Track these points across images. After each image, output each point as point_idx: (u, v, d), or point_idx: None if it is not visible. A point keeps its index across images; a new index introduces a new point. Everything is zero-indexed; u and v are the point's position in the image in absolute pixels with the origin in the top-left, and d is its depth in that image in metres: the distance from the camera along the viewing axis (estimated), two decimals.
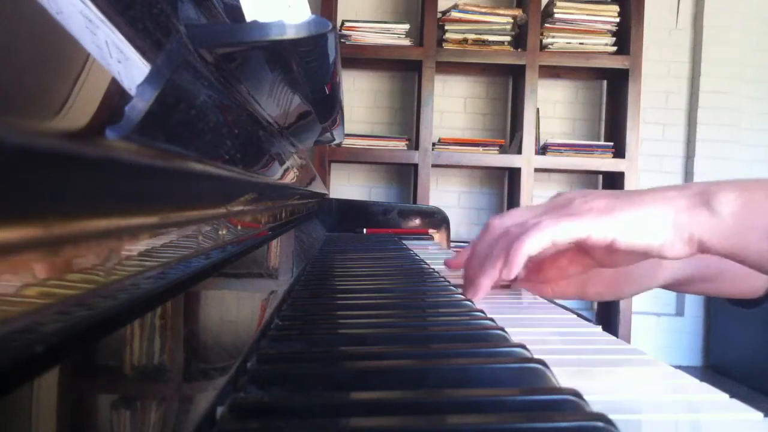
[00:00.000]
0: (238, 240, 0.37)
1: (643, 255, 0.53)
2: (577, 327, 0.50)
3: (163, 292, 0.23)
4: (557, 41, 2.71)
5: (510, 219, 0.57)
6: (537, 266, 0.63)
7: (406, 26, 2.71)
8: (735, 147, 2.99)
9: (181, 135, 0.26)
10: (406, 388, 0.30)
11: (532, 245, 0.51)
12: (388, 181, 3.04)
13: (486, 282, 0.56)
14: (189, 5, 0.36)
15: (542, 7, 2.71)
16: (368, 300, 0.55)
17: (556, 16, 2.70)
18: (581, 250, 0.59)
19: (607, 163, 2.75)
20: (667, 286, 0.70)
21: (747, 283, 0.67)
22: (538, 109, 2.79)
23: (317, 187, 1.13)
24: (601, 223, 0.51)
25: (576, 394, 0.27)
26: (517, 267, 0.52)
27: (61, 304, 0.15)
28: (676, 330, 3.01)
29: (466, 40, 2.70)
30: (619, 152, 2.74)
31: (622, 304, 2.72)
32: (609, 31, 2.73)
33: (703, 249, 0.51)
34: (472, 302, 0.52)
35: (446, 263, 0.69)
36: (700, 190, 0.51)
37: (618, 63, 2.70)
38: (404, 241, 1.24)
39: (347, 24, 2.68)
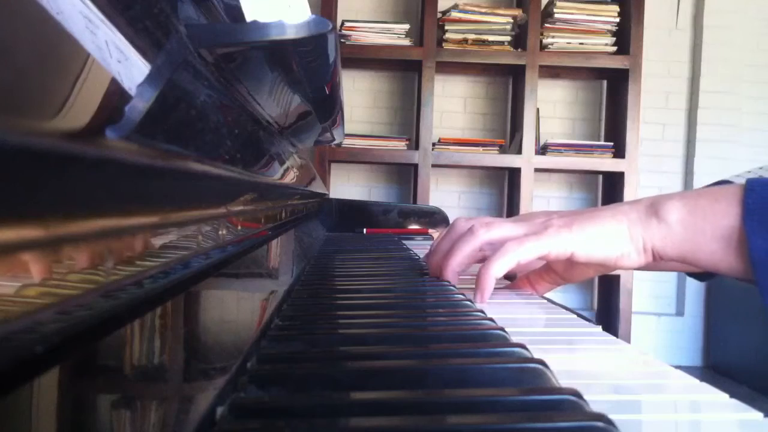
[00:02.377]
0: (238, 240, 0.37)
1: (601, 267, 0.58)
2: (577, 327, 0.50)
3: (163, 292, 0.23)
4: (557, 41, 2.71)
5: (475, 221, 0.63)
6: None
7: (406, 26, 2.71)
8: (735, 147, 2.99)
9: (181, 135, 0.26)
10: (406, 388, 0.30)
11: (499, 268, 0.56)
12: (388, 181, 3.04)
13: (450, 275, 0.62)
14: (189, 5, 0.36)
15: (542, 7, 2.71)
16: (368, 300, 0.55)
17: (556, 16, 2.70)
18: (546, 268, 0.65)
19: (607, 163, 2.75)
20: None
21: None
22: (538, 109, 2.79)
23: (317, 187, 1.13)
24: (561, 238, 0.55)
25: (576, 394, 0.27)
26: (488, 291, 0.57)
27: (61, 304, 0.15)
28: (676, 330, 3.01)
29: (466, 40, 2.70)
30: (619, 152, 2.74)
31: (622, 304, 2.72)
32: (609, 31, 2.73)
33: (657, 256, 0.54)
34: (472, 302, 0.52)
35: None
36: (650, 202, 0.55)
37: (618, 63, 2.70)
38: (404, 241, 1.24)
39: (347, 24, 2.68)
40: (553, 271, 0.65)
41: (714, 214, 0.51)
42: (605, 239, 0.55)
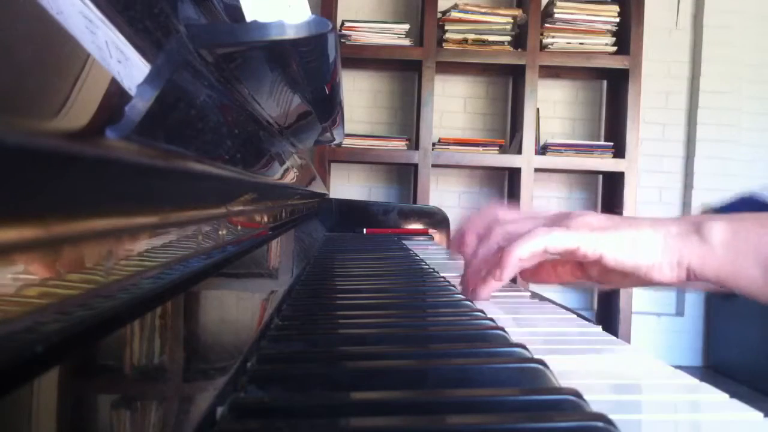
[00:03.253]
0: (238, 240, 0.37)
1: (632, 276, 0.55)
2: (577, 327, 0.50)
3: (163, 292, 0.23)
4: (557, 41, 2.71)
5: (513, 227, 0.59)
6: (535, 270, 0.64)
7: (406, 26, 2.71)
8: (735, 147, 2.99)
9: (181, 135, 0.26)
10: (406, 388, 0.30)
11: (524, 250, 0.54)
12: (388, 181, 3.04)
13: (485, 293, 0.58)
14: (189, 5, 0.36)
15: (542, 7, 2.71)
16: (368, 300, 0.55)
17: (556, 16, 2.70)
18: (579, 263, 0.61)
19: (607, 163, 2.75)
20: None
21: None
22: (538, 109, 2.79)
23: (317, 187, 1.13)
24: (592, 237, 0.53)
25: (576, 393, 0.27)
26: (510, 270, 0.54)
27: (61, 304, 0.15)
28: (676, 330, 3.01)
29: (466, 40, 2.70)
30: (619, 152, 2.74)
31: (622, 304, 2.72)
32: (609, 31, 2.73)
33: (692, 275, 0.52)
34: (472, 302, 0.52)
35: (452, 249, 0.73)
36: (693, 220, 0.53)
37: (618, 63, 2.70)
38: (404, 241, 1.24)
39: (347, 24, 2.68)
40: (583, 267, 0.61)
41: (759, 239, 0.50)
42: (638, 246, 0.53)
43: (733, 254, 0.50)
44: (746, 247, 0.50)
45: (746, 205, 0.69)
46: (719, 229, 0.51)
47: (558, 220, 0.56)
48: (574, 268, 0.62)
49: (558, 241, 0.53)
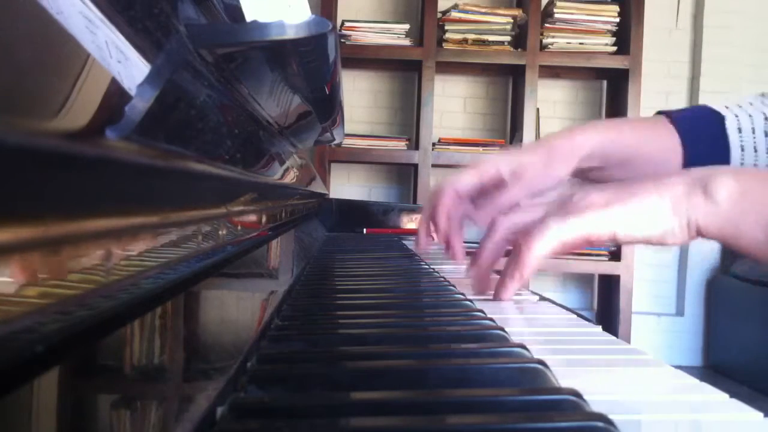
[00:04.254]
0: (238, 240, 0.37)
1: (646, 242, 0.53)
2: (577, 327, 0.50)
3: (163, 292, 0.23)
4: (557, 41, 2.71)
5: (517, 217, 0.58)
6: None
7: (406, 26, 2.71)
8: None
9: (181, 135, 0.26)
10: (406, 388, 0.30)
11: (543, 248, 0.53)
12: (388, 181, 3.04)
13: (507, 294, 0.58)
14: (189, 5, 0.36)
15: (542, 7, 2.71)
16: (368, 300, 0.55)
17: (556, 16, 2.70)
18: None
19: None
20: (583, 174, 0.71)
21: (660, 169, 0.70)
22: (538, 109, 2.79)
23: (317, 187, 1.13)
24: (602, 218, 0.52)
25: (576, 394, 0.27)
26: (530, 270, 0.53)
27: (61, 304, 0.15)
28: (676, 330, 3.01)
29: (466, 40, 2.70)
30: None
31: (622, 304, 2.72)
32: (609, 31, 2.73)
33: (700, 233, 0.52)
34: (471, 302, 0.52)
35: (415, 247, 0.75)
36: (699, 175, 0.52)
37: (618, 63, 2.70)
38: (404, 241, 1.24)
39: (347, 24, 2.68)
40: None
41: (763, 199, 0.49)
42: (648, 216, 0.51)
43: (737, 214, 0.50)
44: (750, 207, 0.49)
45: (698, 115, 0.71)
46: (724, 186, 0.50)
47: (564, 205, 0.54)
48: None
49: (572, 232, 0.52)
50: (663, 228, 0.51)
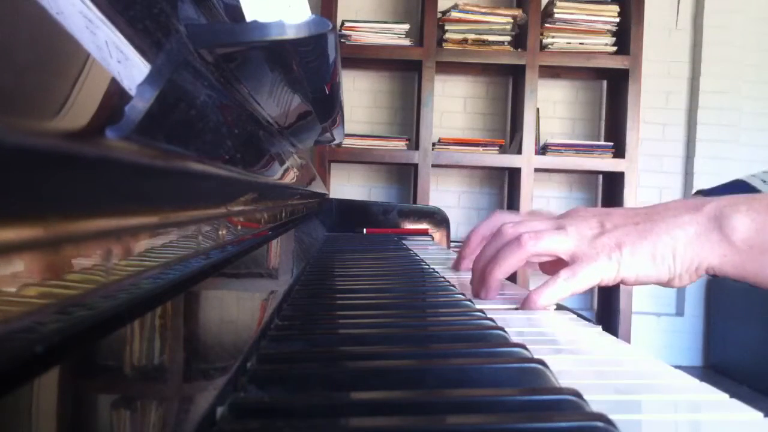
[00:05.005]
0: (238, 240, 0.37)
1: (654, 284, 0.54)
2: (577, 327, 0.50)
3: (163, 292, 0.23)
4: (557, 41, 2.71)
5: (524, 227, 0.58)
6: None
7: (406, 26, 2.71)
8: (735, 147, 2.99)
9: (181, 135, 0.26)
10: (406, 388, 0.30)
11: (549, 299, 0.54)
12: (388, 181, 3.04)
13: (493, 285, 0.58)
14: (189, 5, 0.36)
15: (542, 7, 2.71)
16: (368, 300, 0.55)
17: (556, 16, 2.70)
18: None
19: (607, 163, 2.75)
20: None
21: None
22: (538, 109, 2.79)
23: (317, 187, 1.13)
24: (612, 263, 0.52)
25: (576, 393, 0.27)
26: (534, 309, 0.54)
27: (61, 304, 0.15)
28: (676, 330, 3.01)
29: (466, 40, 2.70)
30: (619, 152, 2.74)
31: (622, 304, 2.72)
32: (609, 31, 2.73)
33: (713, 273, 0.51)
34: (472, 302, 0.52)
35: (454, 266, 0.77)
36: (713, 213, 0.51)
37: (618, 63, 2.70)
38: (404, 241, 1.24)
39: (347, 24, 2.68)
40: None
41: None
42: (657, 261, 0.52)
43: (757, 252, 0.49)
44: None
45: (735, 190, 0.70)
46: (741, 223, 0.49)
47: (571, 239, 0.55)
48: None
49: (581, 283, 0.53)
50: (671, 273, 0.52)
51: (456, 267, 0.78)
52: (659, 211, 0.54)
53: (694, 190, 3.02)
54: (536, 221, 0.59)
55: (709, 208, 0.52)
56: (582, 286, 0.53)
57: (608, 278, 0.53)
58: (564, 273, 0.54)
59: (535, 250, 0.55)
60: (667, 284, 0.53)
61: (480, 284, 0.59)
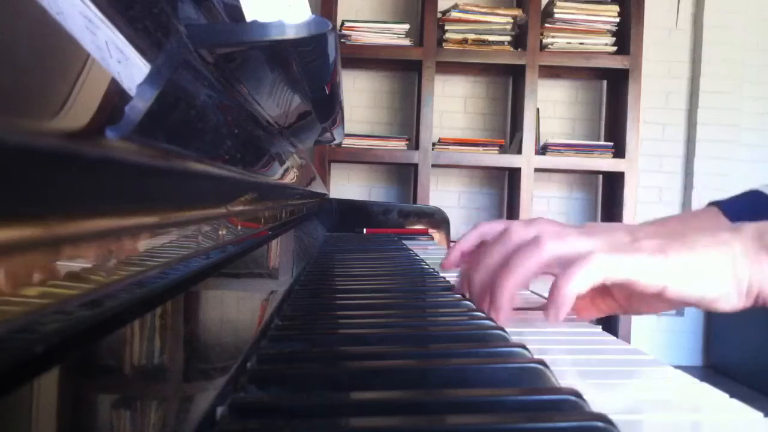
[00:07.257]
0: (238, 240, 0.37)
1: (687, 305, 0.45)
2: (577, 327, 0.50)
3: (163, 292, 0.23)
4: (557, 41, 2.71)
5: (535, 230, 0.48)
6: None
7: (406, 26, 2.71)
8: (735, 147, 2.99)
9: (181, 135, 0.26)
10: (406, 388, 0.30)
11: (582, 282, 0.43)
12: (388, 181, 3.04)
13: (506, 299, 0.47)
14: (189, 5, 0.36)
15: (542, 7, 2.71)
16: (368, 300, 0.55)
17: (556, 16, 2.70)
18: (602, 290, 0.51)
19: (607, 163, 2.75)
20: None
21: None
22: (538, 109, 2.79)
23: (317, 187, 1.13)
24: (655, 265, 0.43)
25: (576, 394, 0.27)
26: (564, 308, 0.43)
27: (61, 304, 0.15)
28: (676, 330, 3.01)
29: (466, 40, 2.70)
30: (619, 152, 2.74)
31: None
32: (609, 31, 2.73)
33: (760, 301, 0.45)
34: (472, 302, 0.52)
35: (442, 265, 0.63)
36: (757, 232, 0.45)
37: (618, 63, 2.70)
38: (404, 241, 1.24)
39: (347, 24, 2.68)
40: (610, 296, 0.51)
41: None
42: (706, 275, 0.44)
43: None
44: None
45: (752, 201, 0.67)
46: None
47: (602, 236, 0.46)
48: (594, 295, 0.51)
49: (619, 269, 0.43)
50: (719, 292, 0.44)
51: (444, 264, 0.63)
52: (691, 228, 0.47)
53: (695, 198, 3.00)
54: (550, 224, 0.50)
55: (749, 228, 0.46)
56: (619, 273, 0.43)
57: (648, 281, 0.43)
58: (598, 254, 0.43)
59: (558, 251, 0.45)
60: (711, 305, 0.44)
61: (486, 299, 0.48)
